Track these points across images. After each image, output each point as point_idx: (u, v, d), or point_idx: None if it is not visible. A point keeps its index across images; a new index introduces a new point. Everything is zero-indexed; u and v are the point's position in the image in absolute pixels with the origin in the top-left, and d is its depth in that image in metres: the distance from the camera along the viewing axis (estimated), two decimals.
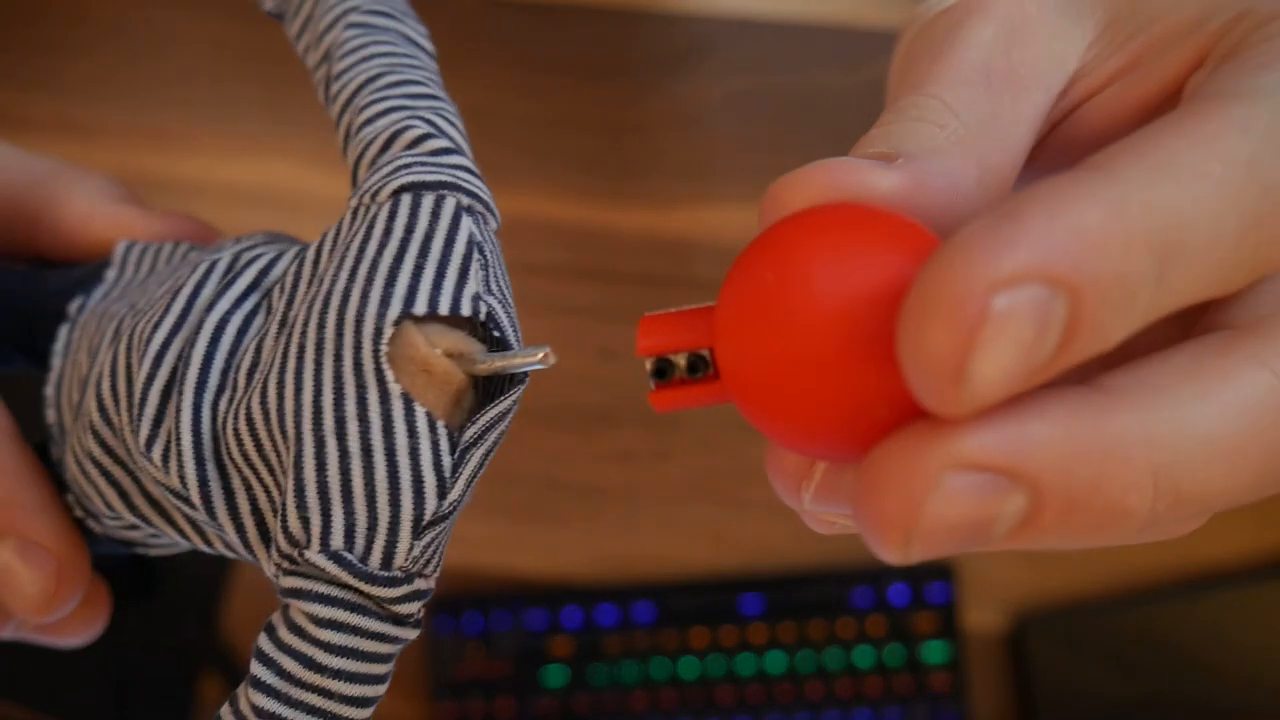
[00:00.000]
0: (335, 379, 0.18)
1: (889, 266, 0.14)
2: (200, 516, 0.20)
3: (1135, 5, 0.18)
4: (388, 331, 0.18)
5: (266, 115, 0.57)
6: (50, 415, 0.23)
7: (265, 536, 0.19)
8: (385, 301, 0.18)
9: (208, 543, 0.21)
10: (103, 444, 0.21)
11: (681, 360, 0.16)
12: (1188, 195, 0.13)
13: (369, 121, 0.20)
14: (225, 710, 0.18)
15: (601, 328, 0.52)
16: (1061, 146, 0.19)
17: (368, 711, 0.18)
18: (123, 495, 0.21)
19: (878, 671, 0.51)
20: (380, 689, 0.18)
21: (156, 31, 0.58)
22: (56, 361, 0.23)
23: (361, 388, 0.18)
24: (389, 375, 0.18)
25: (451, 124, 0.20)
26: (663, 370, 0.17)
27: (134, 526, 0.22)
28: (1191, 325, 0.16)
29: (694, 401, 0.17)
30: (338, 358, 0.18)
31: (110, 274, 0.24)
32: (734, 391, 0.15)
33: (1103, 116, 0.18)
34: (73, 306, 0.23)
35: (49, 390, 0.23)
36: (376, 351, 0.18)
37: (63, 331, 0.23)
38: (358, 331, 0.18)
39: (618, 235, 0.55)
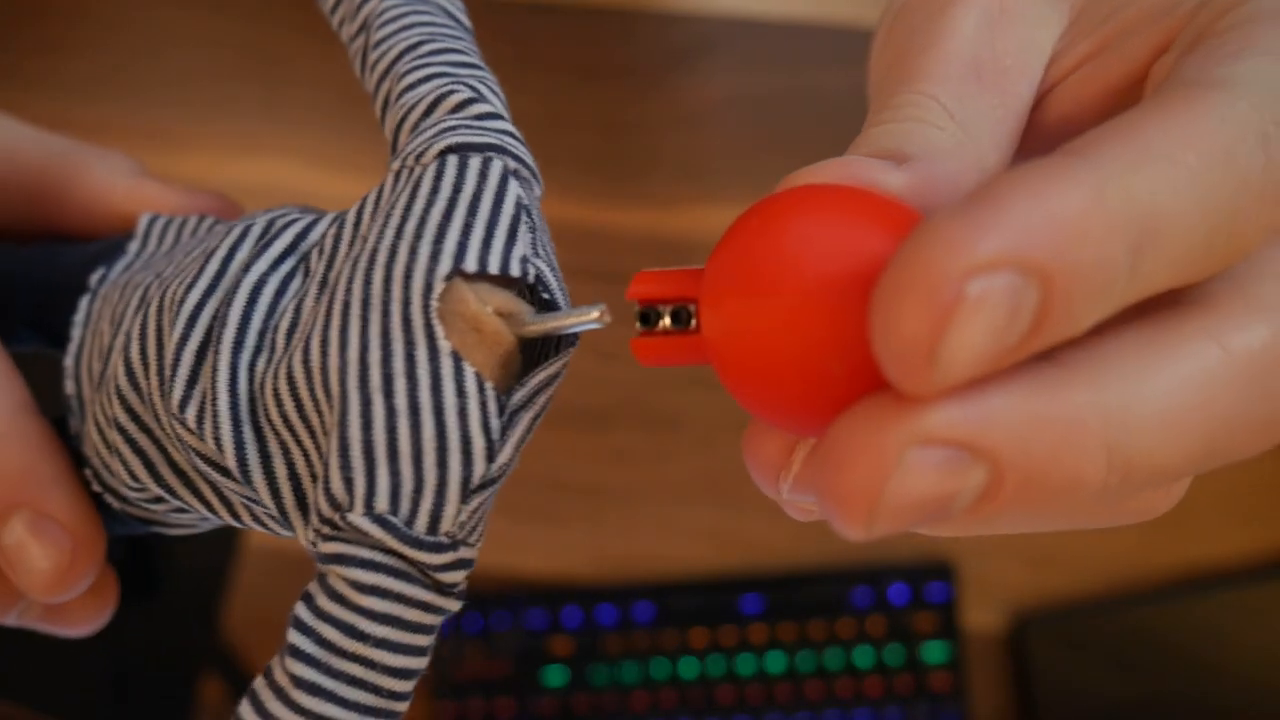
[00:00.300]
0: (383, 335, 0.17)
1: (867, 236, 0.14)
2: (231, 484, 0.19)
3: None
4: (438, 287, 0.17)
5: (266, 115, 0.57)
6: (69, 386, 0.22)
7: (302, 503, 0.19)
8: (435, 257, 0.17)
9: (235, 516, 0.21)
10: (129, 410, 0.20)
11: (667, 311, 0.17)
12: (1166, 185, 0.13)
13: (410, 88, 0.20)
14: (259, 682, 0.17)
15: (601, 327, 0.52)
16: (1029, 130, 0.19)
17: (410, 685, 0.18)
18: (148, 465, 0.20)
19: (878, 671, 0.51)
20: (422, 662, 0.18)
21: (156, 31, 0.58)
22: (76, 332, 0.22)
23: (410, 344, 0.17)
24: (439, 332, 0.17)
25: (494, 92, 0.20)
26: (648, 317, 0.17)
27: (158, 499, 0.21)
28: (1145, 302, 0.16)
29: (673, 352, 0.17)
30: (385, 314, 0.17)
31: (133, 246, 0.23)
32: (708, 342, 0.15)
33: (1069, 101, 0.18)
34: (93, 278, 0.23)
35: (68, 361, 0.22)
36: (427, 307, 0.17)
37: (83, 303, 0.22)
38: (406, 287, 0.17)
39: (618, 235, 0.55)
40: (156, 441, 0.20)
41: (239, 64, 0.57)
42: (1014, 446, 0.13)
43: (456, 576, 0.18)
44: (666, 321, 0.17)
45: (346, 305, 0.18)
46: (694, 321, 0.17)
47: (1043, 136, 0.19)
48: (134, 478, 0.21)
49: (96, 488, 0.22)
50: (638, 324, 0.17)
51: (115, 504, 0.22)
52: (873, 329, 0.13)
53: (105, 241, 0.24)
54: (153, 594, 0.46)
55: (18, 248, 0.25)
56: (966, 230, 0.12)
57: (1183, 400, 0.14)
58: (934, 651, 0.51)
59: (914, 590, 0.51)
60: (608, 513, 0.53)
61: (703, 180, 0.55)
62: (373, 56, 0.21)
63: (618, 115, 0.56)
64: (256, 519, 0.20)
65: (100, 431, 0.21)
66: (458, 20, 0.22)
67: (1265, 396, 0.14)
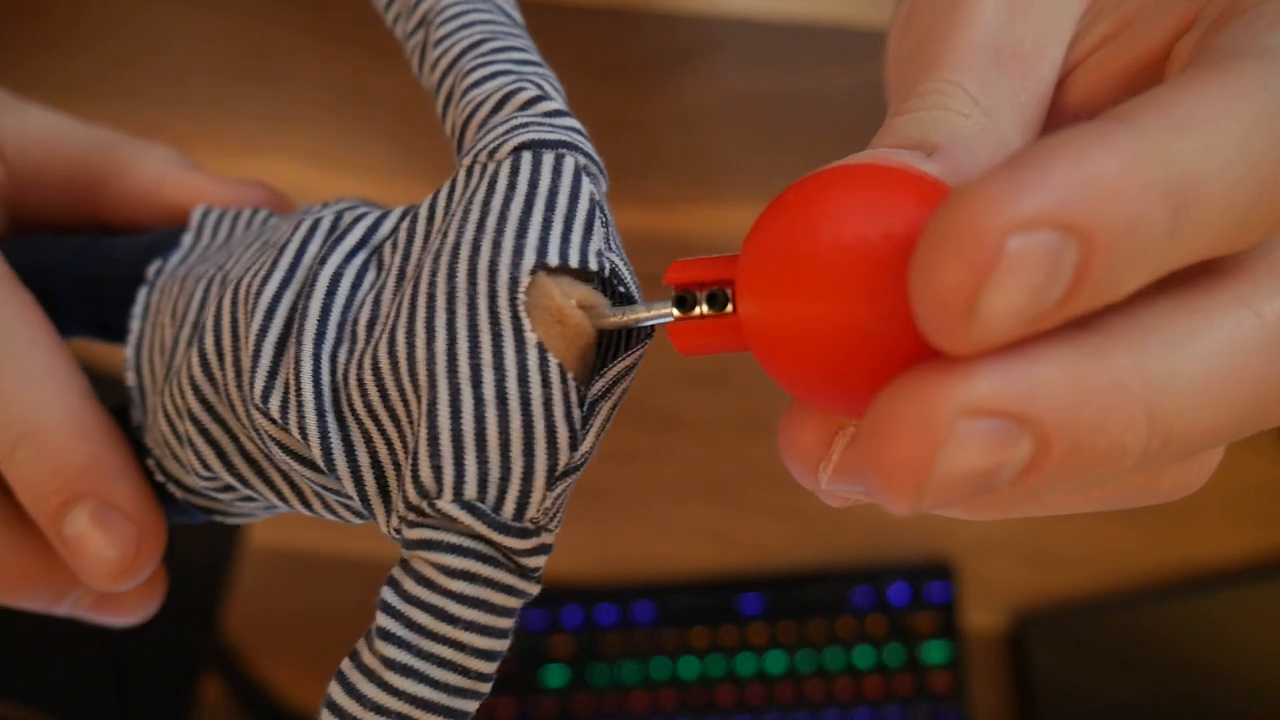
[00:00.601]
0: (470, 327, 0.18)
1: (904, 208, 0.14)
2: (308, 473, 0.20)
3: None
4: (524, 280, 0.18)
5: (266, 114, 0.57)
6: (130, 378, 0.23)
7: (383, 491, 0.19)
8: (519, 251, 0.18)
9: (305, 504, 0.21)
10: (203, 400, 0.20)
11: (703, 296, 0.17)
12: (1207, 150, 0.13)
13: (476, 84, 0.20)
14: (346, 665, 0.18)
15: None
16: (1050, 112, 0.19)
17: (494, 667, 0.18)
18: (220, 454, 0.21)
19: (878, 671, 0.51)
20: (505, 644, 0.18)
21: (155, 30, 0.58)
22: (135, 324, 0.23)
23: (497, 336, 0.18)
24: (526, 324, 0.18)
25: (557, 90, 0.21)
26: (684, 301, 0.17)
27: (227, 488, 0.22)
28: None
29: (710, 336, 0.17)
30: (472, 306, 0.18)
31: (187, 239, 0.24)
32: (745, 322, 0.15)
33: (1089, 81, 0.19)
34: (151, 270, 0.23)
35: (129, 353, 0.23)
36: (514, 300, 0.18)
37: (141, 294, 0.23)
38: (492, 280, 0.18)
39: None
40: (229, 431, 0.21)
41: (239, 63, 0.57)
42: (1060, 415, 0.13)
43: (538, 561, 0.18)
44: (703, 306, 0.17)
45: (431, 298, 0.18)
46: (730, 305, 0.17)
47: (1064, 117, 0.19)
48: (206, 467, 0.21)
49: (160, 478, 0.23)
50: (674, 310, 0.17)
51: (178, 493, 0.23)
52: (912, 285, 0.13)
53: (157, 233, 0.24)
54: None
55: (60, 240, 0.25)
56: (1008, 189, 0.12)
57: (1220, 365, 0.14)
58: (934, 651, 0.51)
59: (914, 590, 0.51)
60: (608, 513, 0.53)
61: (704, 180, 0.55)
62: (434, 54, 0.21)
63: (618, 115, 0.56)
64: (328, 506, 0.21)
65: (170, 422, 0.21)
66: (513, 18, 0.22)
67: None
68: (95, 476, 0.22)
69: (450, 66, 0.21)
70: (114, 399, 0.23)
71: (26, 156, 0.26)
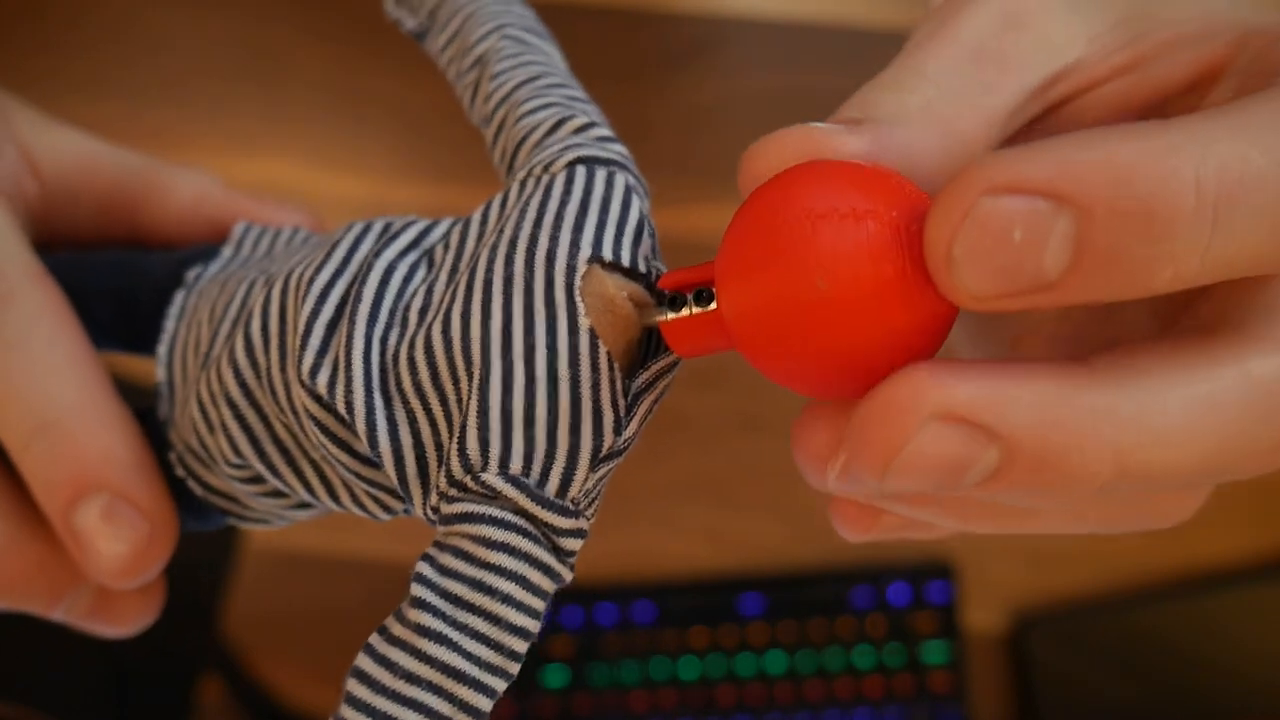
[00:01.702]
0: (526, 309, 0.19)
1: (837, 197, 0.16)
2: (343, 458, 0.20)
3: (1144, 9, 0.19)
4: (581, 268, 0.19)
5: (266, 115, 0.57)
6: (161, 374, 0.23)
7: (422, 473, 0.19)
8: (575, 244, 0.19)
9: (333, 496, 0.21)
10: (243, 383, 0.21)
11: (691, 295, 0.18)
12: (1257, 151, 0.13)
13: (531, 112, 0.22)
14: (375, 639, 0.18)
15: None
16: (1058, 132, 0.19)
17: (525, 647, 0.18)
18: (252, 439, 0.21)
19: (878, 671, 0.51)
20: (537, 626, 0.18)
21: (155, 31, 0.58)
22: (170, 324, 0.23)
23: (552, 318, 0.19)
24: (580, 309, 0.19)
25: (606, 123, 0.22)
26: (675, 302, 0.19)
27: (253, 479, 0.22)
28: (1177, 319, 0.17)
29: (701, 332, 0.18)
30: (528, 290, 0.19)
31: (227, 250, 0.25)
32: (725, 316, 0.16)
33: (1101, 109, 0.19)
34: (190, 274, 0.24)
35: (161, 349, 0.23)
36: (570, 285, 0.19)
37: (178, 297, 0.24)
38: (549, 267, 0.19)
39: None
40: (264, 417, 0.21)
41: (239, 64, 0.57)
42: (1028, 436, 0.14)
43: (575, 544, 0.19)
44: (691, 306, 0.18)
45: (488, 283, 0.19)
46: (715, 302, 0.18)
47: None
48: (237, 453, 0.21)
49: (180, 472, 0.23)
50: (667, 311, 0.19)
51: (198, 490, 0.23)
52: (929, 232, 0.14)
53: (192, 249, 0.25)
54: None
55: (92, 254, 0.26)
56: (1011, 160, 0.14)
57: (1195, 418, 0.14)
58: (934, 651, 0.51)
59: (914, 590, 0.51)
60: (607, 513, 0.53)
61: (706, 180, 0.55)
62: (489, 86, 0.22)
63: (620, 117, 0.56)
64: (356, 499, 0.21)
65: (202, 408, 0.22)
66: (564, 70, 0.23)
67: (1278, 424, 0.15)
68: (109, 469, 0.22)
69: (505, 98, 0.22)
70: (138, 404, 0.24)
71: (62, 176, 0.26)
